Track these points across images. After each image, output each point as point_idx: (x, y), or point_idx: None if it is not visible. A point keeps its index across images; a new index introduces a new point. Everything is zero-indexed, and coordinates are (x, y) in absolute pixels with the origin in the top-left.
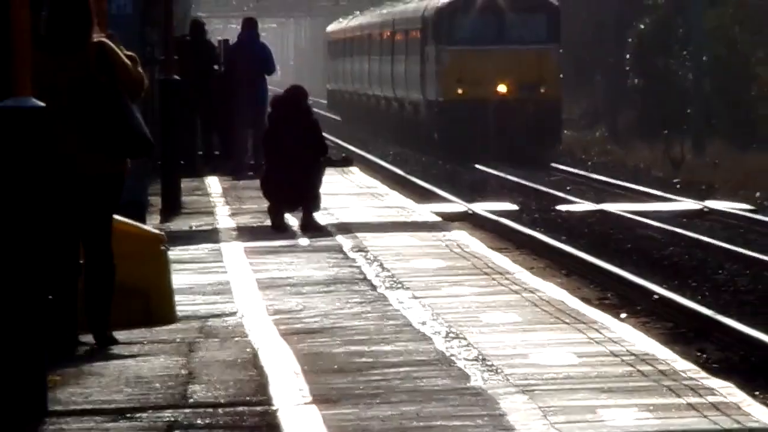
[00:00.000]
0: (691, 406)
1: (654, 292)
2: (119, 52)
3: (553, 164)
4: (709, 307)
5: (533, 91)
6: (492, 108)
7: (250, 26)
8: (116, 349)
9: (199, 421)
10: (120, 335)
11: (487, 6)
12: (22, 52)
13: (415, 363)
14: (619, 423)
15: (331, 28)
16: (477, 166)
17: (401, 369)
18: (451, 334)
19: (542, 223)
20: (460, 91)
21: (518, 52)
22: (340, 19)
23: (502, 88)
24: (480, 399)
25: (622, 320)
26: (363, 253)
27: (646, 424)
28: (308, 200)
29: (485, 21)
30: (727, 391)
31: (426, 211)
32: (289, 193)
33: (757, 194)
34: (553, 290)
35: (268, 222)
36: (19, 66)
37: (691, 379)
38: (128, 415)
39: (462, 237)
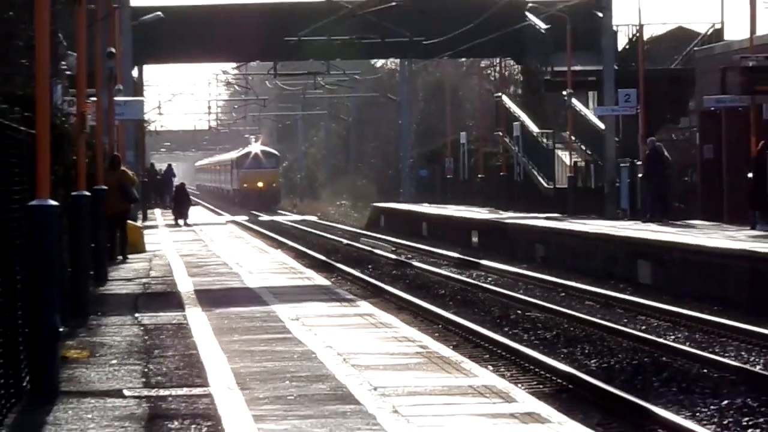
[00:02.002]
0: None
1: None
2: (129, 172)
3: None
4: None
5: (271, 183)
6: (253, 191)
7: (169, 166)
8: (128, 261)
9: (153, 282)
10: (130, 257)
11: (253, 158)
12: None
13: (218, 264)
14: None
15: (197, 163)
16: (252, 211)
17: (213, 267)
18: (224, 255)
19: (258, 224)
20: (244, 186)
21: (265, 171)
22: (199, 161)
23: (259, 184)
24: (232, 271)
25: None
26: (202, 232)
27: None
28: (185, 216)
29: (250, 162)
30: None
31: (224, 219)
32: (180, 212)
33: (318, 214)
34: (257, 241)
35: (172, 222)
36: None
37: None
38: (133, 281)
39: (232, 227)
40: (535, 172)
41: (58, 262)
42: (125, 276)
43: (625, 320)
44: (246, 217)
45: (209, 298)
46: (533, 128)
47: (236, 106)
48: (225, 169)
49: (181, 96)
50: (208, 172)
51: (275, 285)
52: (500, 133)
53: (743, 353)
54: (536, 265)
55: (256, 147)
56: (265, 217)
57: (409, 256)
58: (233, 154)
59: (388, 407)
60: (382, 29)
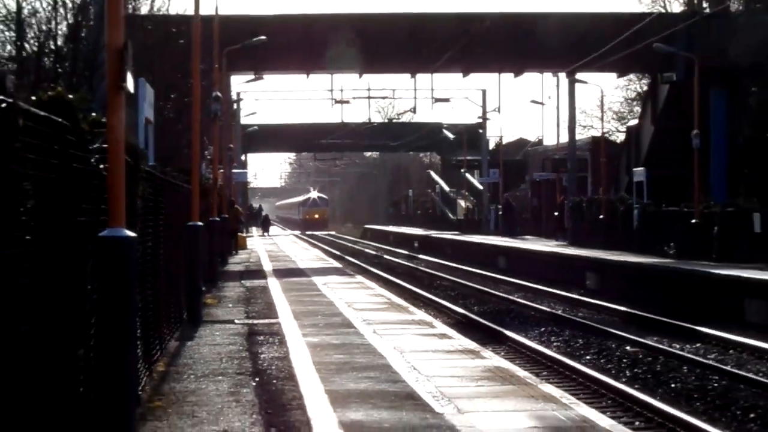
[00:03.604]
0: None
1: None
2: (239, 208)
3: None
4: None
5: (323, 216)
6: (312, 220)
7: (260, 205)
8: (238, 254)
9: (251, 265)
10: (239, 252)
11: (312, 200)
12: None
13: (284, 256)
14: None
15: (276, 203)
16: (316, 233)
17: (282, 257)
18: (287, 251)
19: (306, 236)
20: (307, 217)
21: (320, 208)
22: (278, 202)
23: (316, 216)
24: (291, 259)
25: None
26: (276, 239)
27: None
28: (268, 231)
29: (311, 203)
30: None
31: (288, 233)
32: (265, 229)
33: (335, 231)
34: (305, 244)
35: (261, 234)
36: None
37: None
38: (240, 264)
39: (293, 237)
40: (447, 211)
41: (203, 253)
42: (236, 261)
43: (492, 287)
44: (299, 232)
45: (280, 273)
46: (446, 188)
47: (294, 175)
48: (295, 206)
49: (267, 169)
50: (284, 209)
51: (313, 267)
52: (430, 191)
53: (552, 304)
54: (447, 257)
55: (314, 194)
56: (309, 232)
57: (382, 253)
58: (300, 198)
59: (371, 329)
60: (368, 137)
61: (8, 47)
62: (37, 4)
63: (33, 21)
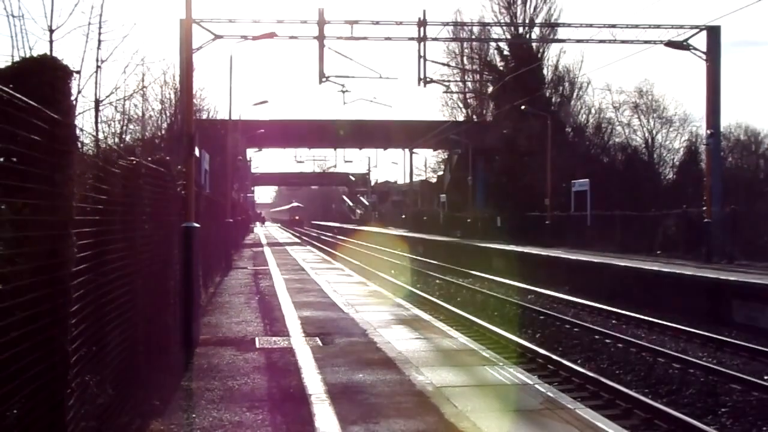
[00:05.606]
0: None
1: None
2: (250, 213)
3: (313, 222)
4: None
5: (302, 217)
6: (295, 220)
7: (260, 212)
8: (249, 236)
9: (256, 241)
10: (249, 234)
11: (295, 207)
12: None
13: (272, 236)
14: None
15: (271, 210)
16: (295, 228)
17: (272, 236)
18: (274, 233)
19: (287, 228)
20: (291, 217)
21: (299, 212)
22: (272, 209)
23: (297, 217)
24: (275, 237)
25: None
26: (269, 229)
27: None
28: (263, 224)
29: (294, 209)
30: None
31: (276, 225)
32: (263, 223)
33: (305, 227)
34: (285, 231)
35: (260, 225)
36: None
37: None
38: (250, 240)
39: (278, 227)
40: (351, 215)
41: (232, 235)
42: (248, 239)
43: (373, 251)
44: (280, 225)
45: (270, 244)
46: (351, 204)
47: (277, 197)
48: (285, 211)
49: (263, 193)
50: (277, 213)
51: (286, 241)
52: (344, 205)
53: (402, 260)
54: (350, 236)
55: (295, 204)
56: (290, 227)
57: (320, 234)
58: (287, 207)
59: (314, 272)
60: (313, 179)
61: (137, 134)
62: (152, 112)
63: (150, 120)
